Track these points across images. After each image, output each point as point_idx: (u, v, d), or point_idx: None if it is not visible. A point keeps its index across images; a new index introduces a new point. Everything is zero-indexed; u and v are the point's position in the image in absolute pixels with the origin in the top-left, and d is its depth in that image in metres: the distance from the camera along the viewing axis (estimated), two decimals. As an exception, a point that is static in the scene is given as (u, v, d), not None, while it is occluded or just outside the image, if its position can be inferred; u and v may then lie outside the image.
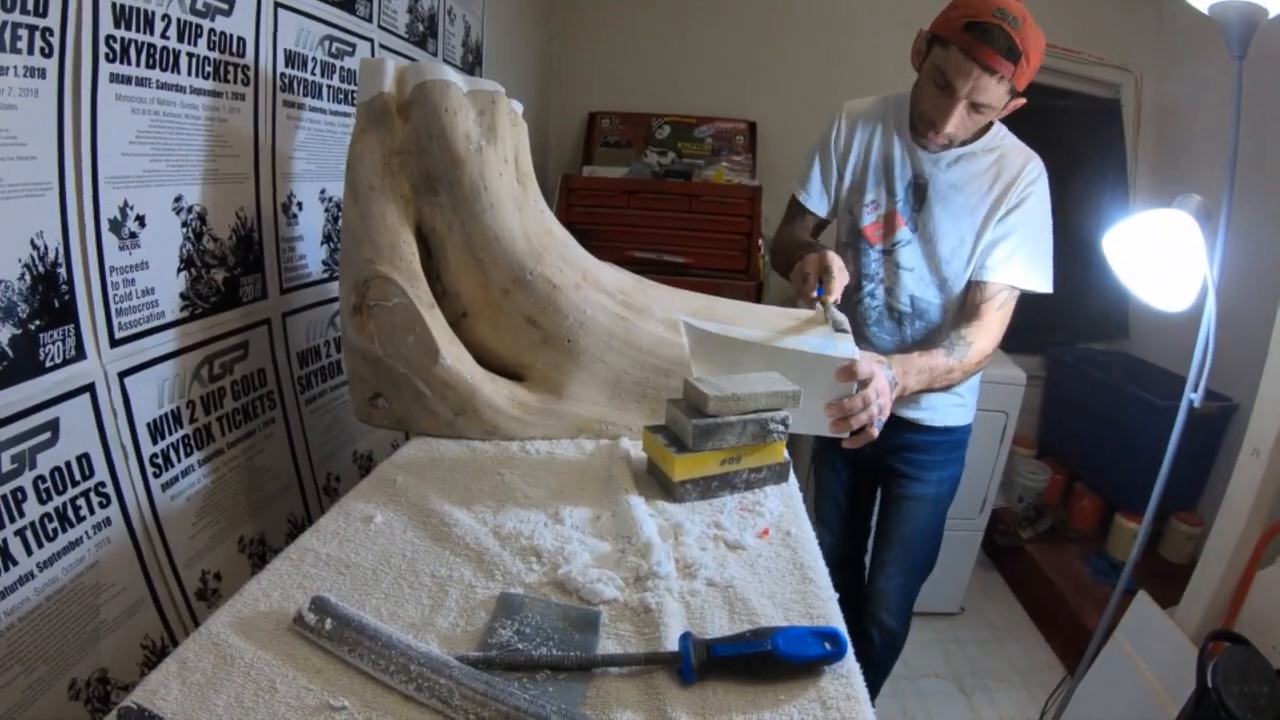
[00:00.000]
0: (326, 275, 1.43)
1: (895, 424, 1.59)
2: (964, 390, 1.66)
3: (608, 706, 0.61)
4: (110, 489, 0.94)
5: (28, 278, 0.80)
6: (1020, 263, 1.51)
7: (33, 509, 0.83)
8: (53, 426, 0.84)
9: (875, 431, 1.16)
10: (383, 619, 0.69)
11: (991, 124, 1.51)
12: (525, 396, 1.12)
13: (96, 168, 0.87)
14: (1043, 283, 1.55)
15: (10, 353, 0.78)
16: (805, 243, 1.58)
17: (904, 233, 1.56)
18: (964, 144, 1.50)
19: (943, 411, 1.68)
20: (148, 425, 1.00)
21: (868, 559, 1.92)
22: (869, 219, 1.59)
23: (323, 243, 1.42)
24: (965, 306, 1.56)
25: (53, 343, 0.84)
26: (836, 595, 0.78)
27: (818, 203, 1.66)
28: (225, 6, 1.07)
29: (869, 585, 1.84)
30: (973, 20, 1.31)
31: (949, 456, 1.75)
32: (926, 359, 1.39)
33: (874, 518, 1.90)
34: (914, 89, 1.50)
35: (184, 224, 1.04)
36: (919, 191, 1.55)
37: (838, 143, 1.62)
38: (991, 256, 1.51)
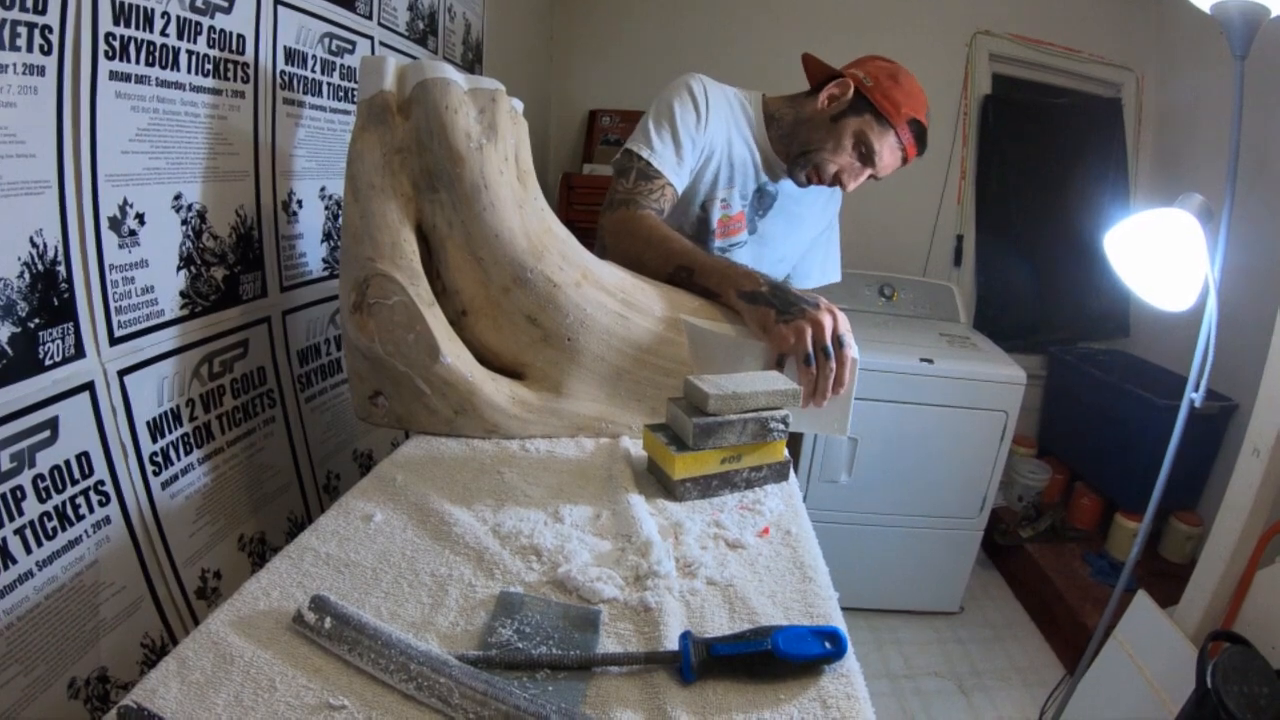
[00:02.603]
0: (326, 273, 1.43)
1: None
2: None
3: (607, 705, 0.61)
4: (110, 487, 0.93)
5: (27, 276, 0.80)
6: (828, 264, 1.75)
7: (32, 507, 0.82)
8: (52, 425, 0.84)
9: (849, 355, 1.11)
10: (382, 618, 0.69)
11: None
12: (525, 395, 1.12)
13: (96, 165, 0.87)
14: (838, 274, 1.79)
15: (9, 351, 0.78)
16: (696, 249, 1.29)
17: (742, 235, 1.57)
18: None
19: None
20: (147, 423, 1.00)
21: None
22: (718, 215, 1.53)
23: (323, 240, 1.42)
24: None
25: (52, 341, 0.84)
26: (837, 594, 0.78)
27: (677, 176, 1.43)
28: (225, 4, 1.07)
29: None
30: (914, 118, 1.41)
31: None
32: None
33: None
34: (809, 125, 1.46)
35: (184, 222, 1.04)
36: (764, 199, 1.58)
37: (701, 120, 1.44)
38: (809, 265, 1.70)
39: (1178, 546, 2.68)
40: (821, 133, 1.45)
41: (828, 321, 1.10)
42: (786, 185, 1.57)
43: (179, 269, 1.04)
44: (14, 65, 0.76)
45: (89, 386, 0.89)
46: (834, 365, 1.10)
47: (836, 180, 1.47)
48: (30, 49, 0.77)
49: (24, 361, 0.80)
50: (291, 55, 1.25)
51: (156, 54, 0.95)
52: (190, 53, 1.01)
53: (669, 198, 1.42)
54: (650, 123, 1.43)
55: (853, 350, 1.12)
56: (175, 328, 1.04)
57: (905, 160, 1.46)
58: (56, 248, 0.83)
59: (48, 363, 0.83)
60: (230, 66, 1.10)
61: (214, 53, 1.06)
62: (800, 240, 1.66)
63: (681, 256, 1.27)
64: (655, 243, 1.30)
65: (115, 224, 0.92)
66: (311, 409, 1.41)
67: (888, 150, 1.42)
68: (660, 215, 1.39)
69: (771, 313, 1.13)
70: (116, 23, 0.88)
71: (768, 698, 0.62)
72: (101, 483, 0.92)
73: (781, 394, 0.99)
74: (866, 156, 1.43)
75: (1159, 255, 1.54)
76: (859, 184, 1.49)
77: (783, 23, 3.16)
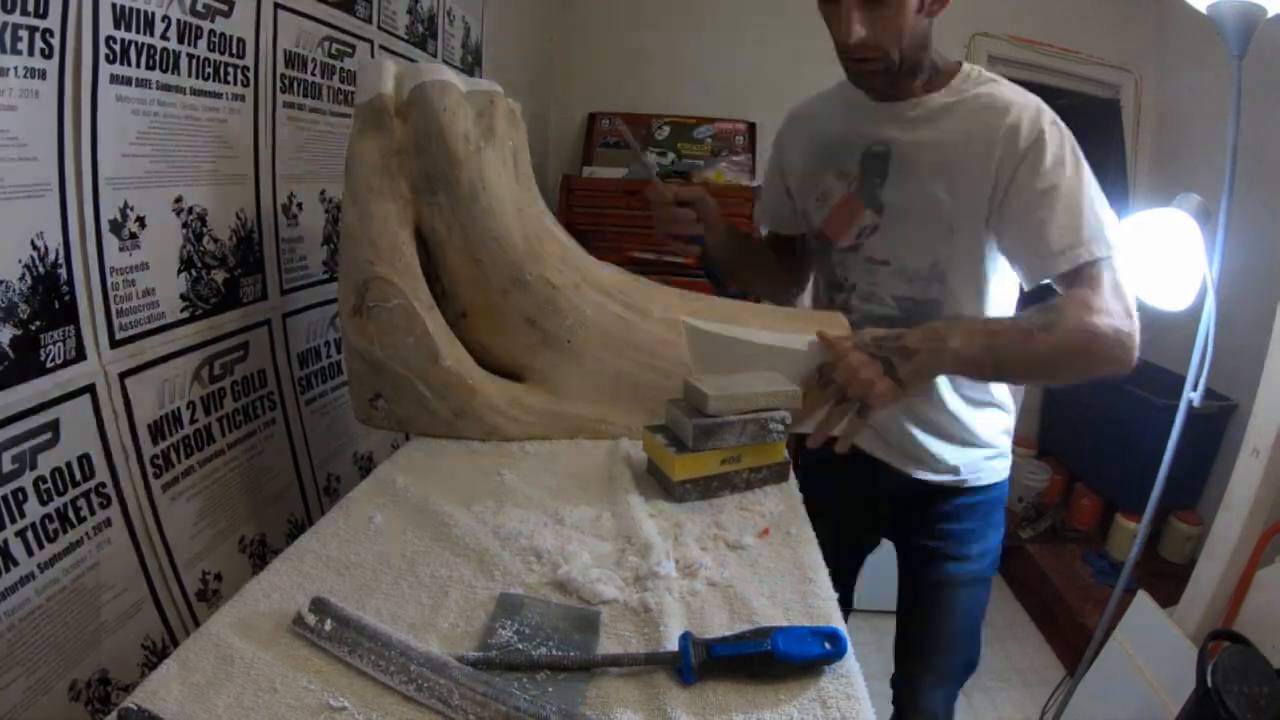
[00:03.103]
0: (327, 276, 1.43)
1: (922, 492, 1.32)
2: (997, 436, 1.33)
3: (608, 706, 0.61)
4: (111, 490, 0.94)
5: (28, 278, 0.80)
6: (1070, 226, 1.09)
7: (33, 510, 0.83)
8: (53, 427, 0.85)
9: (864, 420, 1.00)
10: (383, 619, 0.69)
11: (961, 67, 1.21)
12: (525, 397, 1.12)
13: (97, 169, 0.87)
14: (1105, 245, 1.09)
15: (11, 353, 0.78)
16: (754, 251, 1.45)
17: (867, 216, 1.24)
18: (927, 92, 1.19)
19: (979, 467, 1.31)
20: (148, 426, 1.00)
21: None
22: (820, 213, 1.31)
23: (323, 244, 1.42)
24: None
25: (53, 343, 0.84)
26: (836, 595, 0.78)
27: (775, 220, 1.48)
28: (225, 8, 1.07)
29: (905, 704, 1.44)
30: None
31: (988, 520, 1.36)
32: (982, 320, 1.15)
33: (898, 604, 1.53)
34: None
35: (184, 225, 1.05)
36: (878, 161, 1.22)
37: (782, 146, 1.41)
38: (1035, 234, 1.10)
39: (1177, 546, 2.68)
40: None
41: (879, 390, 0.98)
42: (907, 134, 1.19)
43: (180, 272, 1.05)
44: (15, 69, 0.76)
45: (90, 389, 0.90)
46: (845, 418, 1.01)
47: (838, 43, 1.13)
48: (31, 52, 0.78)
49: (25, 364, 0.80)
50: (291, 59, 1.25)
51: (157, 57, 0.95)
52: (191, 56, 1.02)
53: (771, 236, 1.50)
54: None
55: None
56: (176, 330, 1.04)
57: None
58: (58, 250, 0.83)
59: (49, 365, 0.83)
60: (230, 70, 1.10)
61: (214, 56, 1.06)
62: (966, 194, 1.15)
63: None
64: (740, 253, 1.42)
65: (116, 227, 0.92)
66: (312, 411, 1.42)
67: None
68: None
69: (874, 357, 1.00)
70: (117, 26, 0.88)
71: (768, 698, 0.62)
72: (103, 485, 0.92)
73: (782, 394, 0.99)
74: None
75: (1158, 255, 1.55)
76: (855, 23, 1.06)
77: (781, 25, 3.16)
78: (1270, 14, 1.43)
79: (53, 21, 0.80)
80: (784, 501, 0.97)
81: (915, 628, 1.45)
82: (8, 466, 0.79)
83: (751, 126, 3.10)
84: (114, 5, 0.87)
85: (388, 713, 0.58)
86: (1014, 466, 1.40)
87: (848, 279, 1.29)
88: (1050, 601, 2.72)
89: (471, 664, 0.63)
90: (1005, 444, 1.35)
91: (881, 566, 2.65)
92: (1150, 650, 1.83)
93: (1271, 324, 1.65)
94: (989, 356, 1.04)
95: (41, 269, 0.81)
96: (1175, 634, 1.77)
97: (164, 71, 0.97)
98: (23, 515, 0.81)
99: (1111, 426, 2.82)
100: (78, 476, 0.88)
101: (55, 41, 0.80)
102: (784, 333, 1.16)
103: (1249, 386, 1.74)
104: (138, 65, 0.92)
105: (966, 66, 1.22)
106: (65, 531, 0.87)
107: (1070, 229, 1.08)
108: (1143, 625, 1.90)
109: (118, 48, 0.89)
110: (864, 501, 1.40)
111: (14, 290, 0.78)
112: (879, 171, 1.22)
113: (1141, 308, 1.10)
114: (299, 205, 1.33)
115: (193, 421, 1.09)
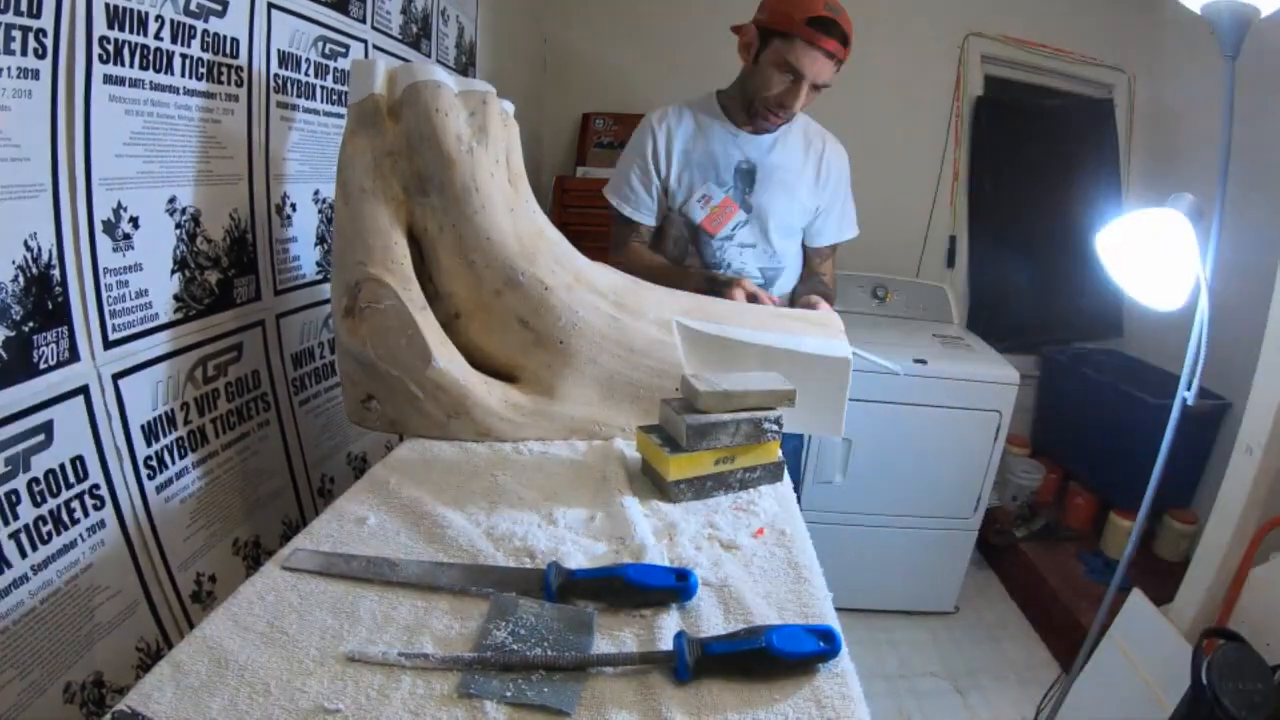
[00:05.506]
0: (320, 277, 1.43)
1: None
2: None
3: (603, 706, 0.61)
4: (104, 491, 0.93)
5: (21, 279, 0.80)
6: (843, 223, 1.84)
7: (27, 511, 0.82)
8: (47, 429, 0.84)
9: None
10: (377, 620, 0.69)
11: None
12: (518, 398, 1.12)
13: (90, 169, 0.87)
14: (854, 230, 1.87)
15: (4, 355, 0.78)
16: (664, 265, 1.71)
17: (739, 215, 1.72)
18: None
19: None
20: (142, 427, 1.00)
21: None
22: (702, 213, 1.71)
23: (316, 244, 1.41)
24: (808, 266, 1.87)
25: (46, 345, 0.84)
26: (831, 595, 0.78)
27: (648, 214, 1.77)
28: (218, 8, 1.07)
29: None
30: (812, 16, 1.49)
31: None
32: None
33: None
34: (746, 79, 1.65)
35: (178, 225, 1.04)
36: (747, 175, 1.72)
37: (656, 154, 1.73)
38: (824, 226, 1.81)
39: (1172, 544, 2.69)
40: (752, 79, 1.62)
41: (737, 293, 1.41)
42: (765, 157, 1.72)
43: (173, 273, 1.04)
44: (8, 69, 0.76)
45: (83, 390, 0.89)
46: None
47: (781, 104, 1.58)
48: (25, 53, 0.77)
49: (18, 365, 0.80)
50: (285, 59, 1.25)
51: (150, 57, 0.95)
52: (184, 56, 1.01)
53: (644, 232, 1.78)
54: (617, 171, 1.79)
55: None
56: (169, 331, 1.04)
57: (834, 58, 1.54)
58: (51, 251, 0.83)
59: (42, 366, 0.83)
60: (224, 70, 1.10)
61: (208, 56, 1.06)
62: (801, 206, 1.77)
63: (660, 277, 1.44)
64: (644, 271, 1.51)
65: (109, 227, 0.92)
66: (306, 412, 1.41)
67: (805, 58, 1.51)
68: (644, 243, 1.78)
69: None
70: (110, 26, 0.88)
71: (762, 697, 0.62)
72: (96, 486, 0.92)
73: (775, 394, 0.99)
74: (792, 71, 1.54)
75: (1151, 255, 1.55)
76: (804, 99, 1.57)
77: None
78: (1264, 14, 1.43)
79: (46, 21, 0.80)
80: (778, 501, 0.97)
81: None
82: (1, 468, 0.79)
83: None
84: (107, 5, 0.87)
85: (384, 715, 0.58)
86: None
87: (723, 260, 1.75)
88: (1045, 600, 2.72)
89: (466, 665, 0.63)
90: None
91: (881, 566, 2.66)
92: (1145, 648, 1.84)
93: (1265, 323, 1.66)
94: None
95: (34, 270, 0.81)
96: (1170, 632, 1.77)
97: (157, 71, 0.97)
98: (16, 517, 0.81)
99: (1105, 425, 2.83)
100: (71, 478, 0.88)
101: (48, 41, 0.80)
102: (776, 332, 1.16)
103: (1243, 385, 1.75)
104: (131, 65, 0.92)
105: None
106: (59, 533, 0.87)
107: (840, 220, 1.83)
108: (1138, 623, 1.90)
109: (111, 48, 0.88)
110: None
111: (7, 291, 0.78)
112: (748, 182, 1.73)
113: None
114: (292, 206, 1.33)
115: (186, 423, 1.09)
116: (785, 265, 1.81)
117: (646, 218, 1.77)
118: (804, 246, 1.86)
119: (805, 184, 1.76)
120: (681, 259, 1.78)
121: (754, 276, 1.77)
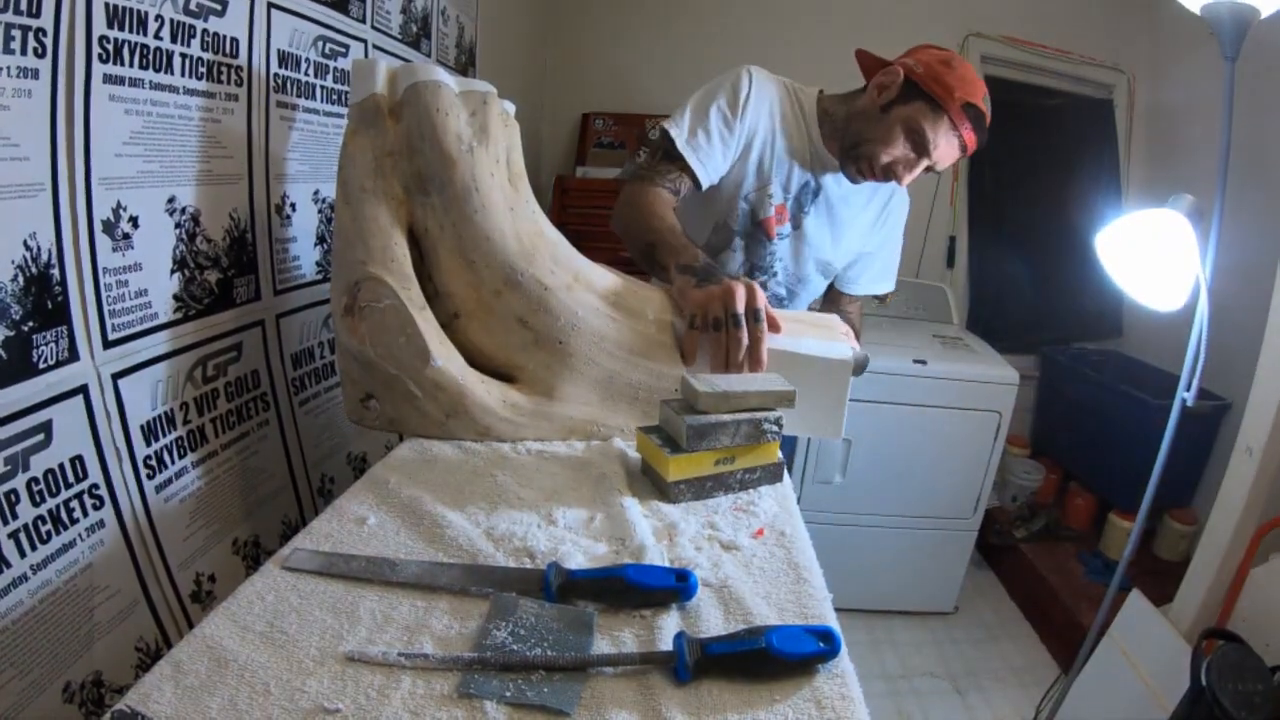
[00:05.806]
0: (320, 276, 1.43)
1: None
2: None
3: (603, 706, 0.61)
4: (104, 491, 0.93)
5: (20, 279, 0.80)
6: (883, 276, 1.73)
7: (26, 511, 0.82)
8: (46, 428, 0.84)
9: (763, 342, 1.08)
10: (376, 621, 0.69)
11: None
12: (517, 398, 1.12)
13: (90, 169, 0.87)
14: (891, 285, 1.77)
15: (3, 354, 0.78)
16: (673, 229, 1.30)
17: (785, 228, 1.57)
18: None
19: None
20: (141, 427, 1.00)
21: None
22: (768, 211, 1.54)
23: (316, 244, 1.41)
24: (833, 303, 1.75)
25: (46, 344, 0.84)
26: (830, 595, 0.78)
27: (709, 169, 1.44)
28: (218, 7, 1.07)
29: None
30: (970, 101, 1.36)
31: None
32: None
33: None
34: (863, 120, 1.44)
35: (177, 225, 1.04)
36: (809, 193, 1.56)
37: (745, 112, 1.45)
38: (861, 274, 1.70)
39: (1172, 545, 2.69)
40: (872, 124, 1.42)
41: (740, 291, 1.07)
42: (835, 184, 1.55)
43: (173, 272, 1.04)
44: (8, 68, 0.76)
45: (83, 390, 0.89)
46: (744, 335, 1.07)
47: (890, 172, 1.42)
48: (24, 52, 0.77)
49: (18, 365, 0.80)
50: (285, 58, 1.25)
51: (150, 57, 0.95)
52: (184, 56, 1.01)
53: (686, 184, 1.42)
54: (690, 107, 1.45)
55: (766, 324, 1.09)
56: (169, 331, 1.04)
57: (965, 150, 1.40)
58: (50, 251, 0.83)
59: (41, 366, 0.83)
60: (224, 69, 1.10)
61: (207, 56, 1.06)
62: (842, 247, 1.63)
63: (652, 233, 1.27)
64: (644, 217, 1.32)
65: (109, 227, 0.91)
66: (305, 412, 1.41)
67: (942, 138, 1.37)
68: (675, 196, 1.40)
69: (691, 280, 1.14)
70: (110, 26, 0.88)
71: (762, 698, 0.62)
72: (95, 486, 0.92)
73: (775, 395, 0.99)
74: (920, 145, 1.38)
75: (1151, 255, 1.55)
76: (914, 176, 1.43)
77: (775, 27, 3.16)
78: (1264, 15, 1.44)
79: (45, 21, 0.80)
80: (778, 502, 0.97)
81: None
82: (1, 468, 0.79)
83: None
84: (107, 5, 0.87)
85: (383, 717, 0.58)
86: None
87: (771, 266, 1.61)
88: (1045, 600, 2.73)
89: (466, 665, 0.63)
90: None
91: (880, 566, 2.66)
92: (1145, 649, 1.84)
93: (1265, 323, 1.66)
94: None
95: (34, 269, 0.81)
96: (1170, 632, 1.77)
97: (157, 71, 0.97)
98: (15, 517, 0.81)
99: (1105, 426, 2.83)
100: (70, 478, 0.88)
101: (48, 41, 0.80)
102: (776, 333, 1.16)
103: (1242, 386, 1.75)
104: (131, 65, 0.92)
105: None
106: (58, 533, 0.87)
107: (882, 272, 1.74)
108: (1137, 624, 1.90)
109: (111, 47, 0.88)
110: None
111: (6, 291, 0.78)
112: (808, 200, 1.57)
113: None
114: (292, 205, 1.33)
115: (186, 422, 1.09)
116: (803, 294, 1.69)
117: (705, 171, 1.43)
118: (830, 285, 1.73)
119: (861, 225, 1.62)
120: (711, 249, 1.58)
121: (770, 293, 1.63)
